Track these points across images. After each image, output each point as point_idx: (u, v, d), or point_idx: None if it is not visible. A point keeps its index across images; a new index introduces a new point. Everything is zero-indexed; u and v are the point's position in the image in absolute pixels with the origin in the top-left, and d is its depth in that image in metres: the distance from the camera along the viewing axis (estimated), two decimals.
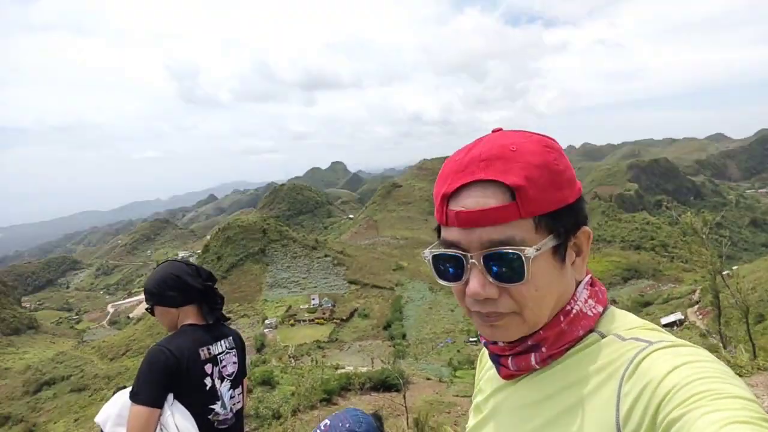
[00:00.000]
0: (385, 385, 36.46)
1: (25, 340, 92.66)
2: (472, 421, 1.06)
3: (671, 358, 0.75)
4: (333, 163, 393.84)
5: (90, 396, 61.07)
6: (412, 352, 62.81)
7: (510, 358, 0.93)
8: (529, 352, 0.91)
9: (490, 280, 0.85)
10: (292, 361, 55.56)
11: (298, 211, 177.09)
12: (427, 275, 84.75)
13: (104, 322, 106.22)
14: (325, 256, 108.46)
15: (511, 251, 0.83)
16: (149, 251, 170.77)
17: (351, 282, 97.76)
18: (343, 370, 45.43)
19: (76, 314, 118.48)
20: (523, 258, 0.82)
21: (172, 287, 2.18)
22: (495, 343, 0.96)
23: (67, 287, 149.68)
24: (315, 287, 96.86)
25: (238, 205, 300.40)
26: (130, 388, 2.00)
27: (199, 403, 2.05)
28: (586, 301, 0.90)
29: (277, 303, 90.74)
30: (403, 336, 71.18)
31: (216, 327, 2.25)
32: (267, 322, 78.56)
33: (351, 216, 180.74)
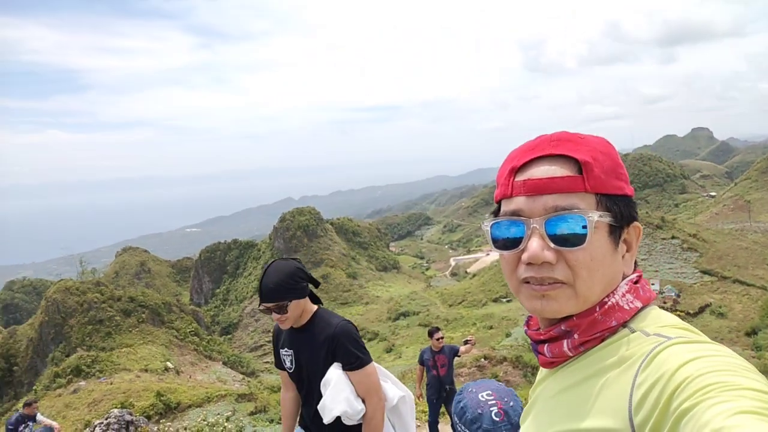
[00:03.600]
0: None
1: (390, 277, 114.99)
2: None
3: (687, 352, 0.76)
4: (693, 129, 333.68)
5: None
6: None
7: (546, 345, 0.96)
8: (562, 338, 0.93)
9: (551, 244, 0.87)
10: None
11: (643, 185, 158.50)
12: None
13: (446, 273, 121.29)
14: (673, 237, 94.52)
15: (576, 214, 0.86)
16: (487, 214, 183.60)
17: (704, 272, 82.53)
18: None
19: (426, 262, 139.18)
20: (587, 221, 0.85)
21: (303, 278, 2.38)
22: (536, 329, 1.00)
23: (421, 239, 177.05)
24: (656, 271, 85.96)
25: None
26: (335, 371, 2.33)
27: None
28: (623, 295, 0.91)
29: None
30: None
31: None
32: None
33: (713, 194, 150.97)
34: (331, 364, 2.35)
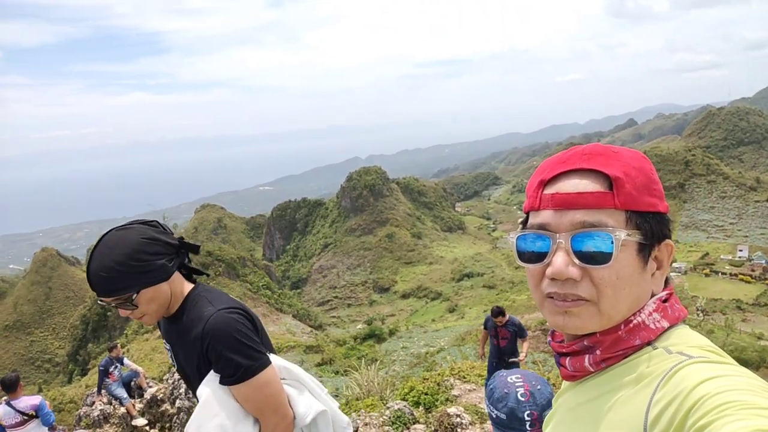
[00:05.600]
0: None
1: (454, 238, 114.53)
2: None
3: (706, 371, 0.76)
4: None
5: (497, 294, 70.86)
6: None
7: (568, 359, 0.96)
8: (584, 353, 0.93)
9: (575, 261, 0.87)
10: (701, 314, 48.67)
11: (737, 142, 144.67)
12: None
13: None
14: (767, 200, 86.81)
15: (603, 231, 0.85)
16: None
17: None
18: (766, 343, 36.70)
19: (493, 223, 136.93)
20: (613, 239, 0.84)
21: (157, 253, 1.59)
22: (561, 341, 1.00)
23: (488, 199, 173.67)
24: (745, 237, 79.88)
25: (661, 131, 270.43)
26: (208, 385, 1.60)
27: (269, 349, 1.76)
28: (650, 314, 0.90)
29: (690, 246, 79.86)
30: None
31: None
32: (675, 265, 70.77)
33: None
34: (206, 372, 1.62)
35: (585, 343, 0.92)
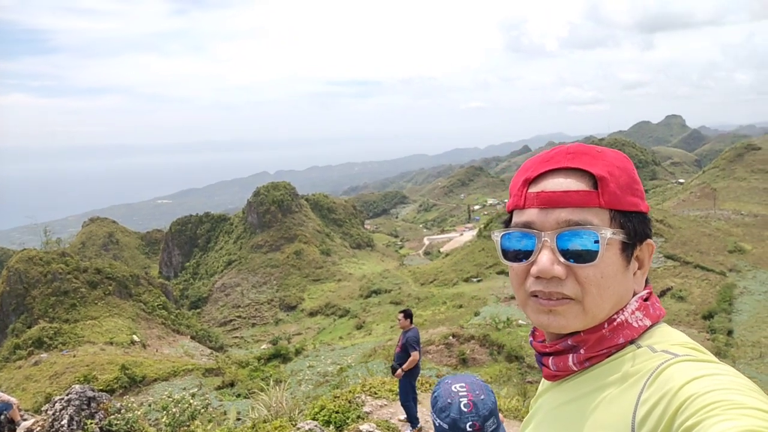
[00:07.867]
0: None
1: (363, 255, 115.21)
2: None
3: (692, 370, 0.76)
4: (667, 116, 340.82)
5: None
6: (735, 354, 51.48)
7: (551, 358, 0.96)
8: (568, 352, 0.93)
9: (561, 259, 0.87)
10: None
11: None
12: None
13: (420, 252, 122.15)
14: None
15: (588, 230, 0.86)
16: (462, 195, 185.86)
17: (668, 257, 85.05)
18: None
19: (400, 241, 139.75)
20: (599, 237, 0.85)
21: None
22: (542, 341, 1.00)
23: (396, 217, 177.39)
24: None
25: None
26: None
27: None
28: (633, 313, 0.91)
29: None
30: (729, 332, 58.75)
31: None
32: None
33: (681, 180, 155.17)
34: None
35: (569, 342, 0.92)
